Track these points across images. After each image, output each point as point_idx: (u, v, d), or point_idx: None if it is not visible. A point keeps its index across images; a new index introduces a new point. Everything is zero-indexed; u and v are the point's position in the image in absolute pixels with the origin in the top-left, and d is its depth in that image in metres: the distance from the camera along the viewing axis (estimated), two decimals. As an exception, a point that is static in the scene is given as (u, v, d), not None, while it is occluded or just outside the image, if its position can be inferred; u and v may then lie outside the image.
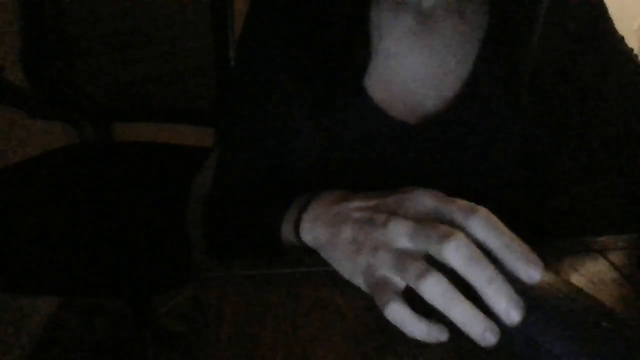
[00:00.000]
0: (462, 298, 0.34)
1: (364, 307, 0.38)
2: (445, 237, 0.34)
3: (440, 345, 0.34)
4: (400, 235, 0.37)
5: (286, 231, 0.47)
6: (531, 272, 0.34)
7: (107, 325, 1.44)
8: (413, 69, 0.57)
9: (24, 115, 1.23)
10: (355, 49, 0.56)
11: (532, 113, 0.56)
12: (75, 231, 0.96)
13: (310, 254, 0.45)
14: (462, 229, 0.36)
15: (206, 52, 1.11)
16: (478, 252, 0.34)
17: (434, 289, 0.34)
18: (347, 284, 0.40)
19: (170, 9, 1.15)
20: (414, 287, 0.35)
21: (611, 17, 0.58)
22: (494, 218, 0.36)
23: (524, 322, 0.33)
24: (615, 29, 0.58)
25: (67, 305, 1.50)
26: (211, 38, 1.09)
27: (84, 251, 0.91)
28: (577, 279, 0.41)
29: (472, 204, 0.37)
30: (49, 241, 0.93)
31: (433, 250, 0.35)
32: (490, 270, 0.33)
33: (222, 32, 1.07)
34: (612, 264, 0.44)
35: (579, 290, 0.36)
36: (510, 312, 0.33)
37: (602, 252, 0.45)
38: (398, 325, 0.35)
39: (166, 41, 1.16)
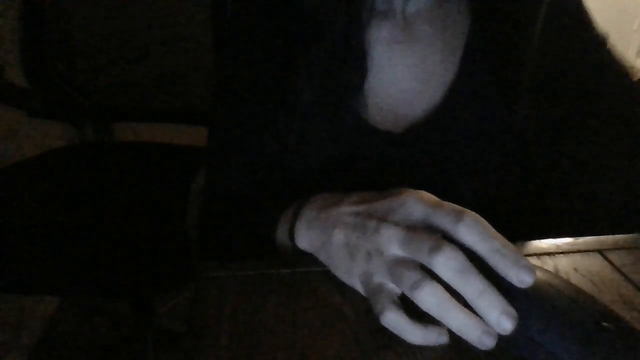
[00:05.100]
0: (458, 306, 0.34)
1: (364, 307, 0.38)
2: (434, 249, 0.34)
3: (440, 344, 0.35)
4: (392, 242, 0.37)
5: (282, 239, 0.47)
6: (523, 277, 0.34)
7: (107, 325, 1.44)
8: (397, 78, 0.57)
9: (24, 115, 1.23)
10: (350, 68, 0.55)
11: (530, 114, 0.55)
12: (75, 231, 0.96)
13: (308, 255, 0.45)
14: (452, 235, 0.36)
15: (206, 52, 1.11)
16: (467, 263, 0.34)
17: (429, 299, 0.34)
18: (347, 284, 0.40)
19: (170, 9, 1.15)
20: (409, 296, 0.35)
21: (592, 19, 0.58)
22: (484, 222, 0.36)
23: (524, 322, 0.33)
24: (597, 33, 0.58)
25: (67, 305, 1.50)
26: (211, 38, 1.09)
27: (84, 251, 0.91)
28: (577, 279, 0.41)
29: (461, 208, 0.37)
30: (49, 241, 0.93)
31: (423, 261, 0.35)
32: (480, 283, 0.33)
33: (222, 32, 1.07)
34: (612, 264, 0.44)
35: (578, 290, 0.36)
36: (502, 322, 0.33)
37: (602, 252, 0.45)
38: (395, 332, 0.35)
39: (166, 41, 1.16)
